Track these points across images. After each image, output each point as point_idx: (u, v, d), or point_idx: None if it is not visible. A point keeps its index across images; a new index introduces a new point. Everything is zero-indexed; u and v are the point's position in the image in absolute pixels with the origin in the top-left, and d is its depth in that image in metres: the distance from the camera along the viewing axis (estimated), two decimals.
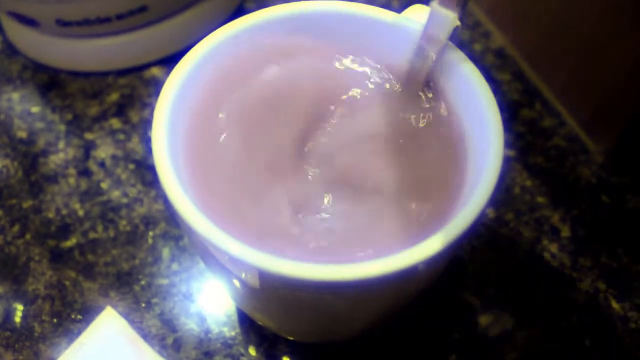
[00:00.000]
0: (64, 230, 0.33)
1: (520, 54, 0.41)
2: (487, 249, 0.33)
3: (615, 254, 0.33)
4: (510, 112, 0.38)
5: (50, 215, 0.34)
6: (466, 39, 0.42)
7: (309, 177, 0.23)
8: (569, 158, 0.36)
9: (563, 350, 0.30)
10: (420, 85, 0.24)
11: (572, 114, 0.38)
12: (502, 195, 0.34)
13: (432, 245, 0.18)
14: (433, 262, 0.19)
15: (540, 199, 0.34)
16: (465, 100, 0.23)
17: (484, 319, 0.31)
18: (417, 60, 0.23)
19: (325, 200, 0.22)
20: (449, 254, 0.19)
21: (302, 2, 0.25)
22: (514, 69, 0.40)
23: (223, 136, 0.23)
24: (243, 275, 0.20)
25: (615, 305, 0.31)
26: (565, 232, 0.33)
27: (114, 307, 0.31)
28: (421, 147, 0.23)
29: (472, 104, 0.23)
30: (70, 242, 0.33)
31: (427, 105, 0.24)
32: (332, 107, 0.24)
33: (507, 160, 0.36)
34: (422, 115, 0.24)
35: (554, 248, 0.33)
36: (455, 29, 0.22)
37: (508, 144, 0.37)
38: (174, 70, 0.23)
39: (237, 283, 0.22)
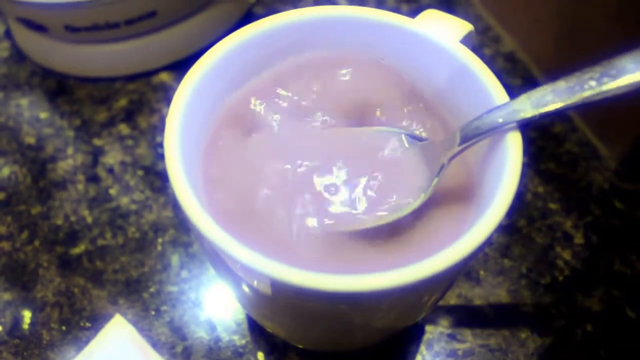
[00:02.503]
0: (73, 237, 0.33)
1: (530, 58, 0.40)
2: (499, 256, 0.32)
3: (629, 261, 0.32)
4: None
5: (59, 221, 0.34)
6: (476, 44, 0.41)
7: (320, 190, 0.22)
8: (581, 164, 0.36)
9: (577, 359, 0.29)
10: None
11: (584, 118, 0.37)
12: (514, 202, 0.34)
13: (445, 258, 0.18)
14: (447, 275, 0.18)
15: (552, 206, 0.34)
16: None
17: (496, 328, 0.30)
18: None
19: (341, 212, 0.22)
20: (462, 267, 0.19)
21: (312, 7, 0.25)
22: (524, 73, 0.40)
23: (235, 143, 0.23)
24: (255, 283, 0.20)
25: (630, 313, 0.31)
26: (579, 239, 0.33)
27: (123, 314, 0.30)
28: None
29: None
30: (79, 249, 0.33)
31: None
32: (343, 124, 0.24)
33: None
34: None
35: (567, 255, 0.32)
36: None
37: None
38: (186, 75, 0.23)
39: (248, 290, 0.21)
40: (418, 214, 0.22)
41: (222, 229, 0.19)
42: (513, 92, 0.39)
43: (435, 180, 0.22)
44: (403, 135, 0.23)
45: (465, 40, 0.24)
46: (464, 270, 0.22)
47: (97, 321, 0.30)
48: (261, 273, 0.18)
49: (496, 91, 0.22)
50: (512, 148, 0.21)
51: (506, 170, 0.20)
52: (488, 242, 0.19)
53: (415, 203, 0.22)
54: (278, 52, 0.25)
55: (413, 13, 0.25)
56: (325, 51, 0.25)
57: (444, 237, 0.21)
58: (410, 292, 0.19)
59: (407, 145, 0.23)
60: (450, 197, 0.23)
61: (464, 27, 0.24)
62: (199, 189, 0.22)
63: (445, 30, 0.23)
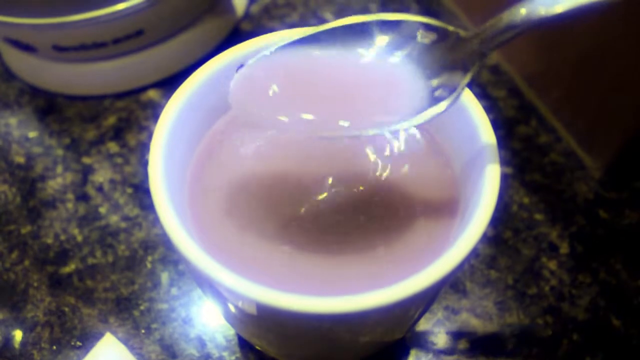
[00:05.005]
0: (63, 255, 0.33)
1: (515, 70, 0.41)
2: (485, 268, 0.33)
3: (615, 270, 0.33)
4: (506, 128, 0.38)
5: (49, 241, 0.34)
6: None
7: (303, 210, 0.23)
8: (566, 174, 0.36)
9: None
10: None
11: (568, 129, 0.38)
12: (500, 213, 0.35)
13: (427, 277, 0.18)
14: (429, 292, 0.19)
15: (538, 216, 0.34)
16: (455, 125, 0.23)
17: (483, 339, 0.30)
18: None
19: (322, 229, 0.22)
20: (445, 282, 0.19)
21: (297, 29, 0.25)
22: (509, 85, 0.40)
23: (221, 164, 0.23)
24: (240, 304, 0.20)
25: (615, 322, 0.31)
26: (564, 249, 0.33)
27: (114, 333, 0.31)
28: (411, 178, 0.23)
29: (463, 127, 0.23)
30: (69, 268, 0.33)
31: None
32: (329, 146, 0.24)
33: (504, 178, 0.36)
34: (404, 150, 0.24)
35: (552, 265, 0.33)
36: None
37: (505, 161, 0.37)
38: (173, 96, 0.23)
39: (234, 311, 0.22)
40: (403, 222, 0.22)
41: (206, 252, 0.19)
42: (497, 104, 0.40)
43: (469, 75, 0.19)
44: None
45: None
46: (448, 283, 0.22)
47: (87, 340, 0.31)
48: (247, 297, 0.19)
49: (473, 106, 0.22)
50: (491, 162, 0.21)
51: (485, 189, 0.20)
52: (471, 256, 0.20)
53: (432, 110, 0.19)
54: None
55: None
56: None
57: (432, 246, 0.21)
58: (395, 311, 0.20)
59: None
60: (435, 207, 0.23)
61: None
62: (185, 212, 0.22)
63: None
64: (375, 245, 0.22)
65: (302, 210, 0.22)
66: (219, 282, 0.19)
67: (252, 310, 0.20)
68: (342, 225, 0.22)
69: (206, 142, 0.24)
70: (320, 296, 0.18)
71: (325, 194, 0.23)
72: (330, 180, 0.23)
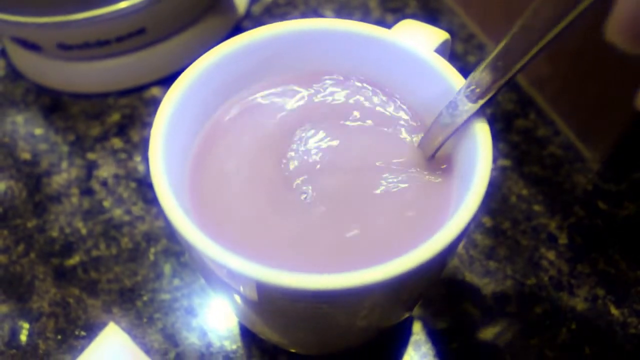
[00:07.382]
0: (68, 248, 0.34)
1: None
2: (485, 258, 0.33)
3: (613, 260, 0.33)
4: (505, 122, 0.39)
5: (54, 234, 0.35)
6: (460, 52, 0.42)
7: (303, 194, 0.23)
8: (565, 166, 0.36)
9: (563, 358, 0.30)
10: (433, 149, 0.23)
11: (567, 122, 0.38)
12: (499, 205, 0.35)
13: (422, 253, 0.19)
14: (425, 270, 0.19)
15: (536, 208, 0.35)
16: None
17: (483, 328, 0.31)
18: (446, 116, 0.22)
19: (320, 209, 0.23)
20: (440, 262, 0.20)
21: (295, 20, 0.26)
22: None
23: (219, 152, 0.24)
24: (241, 288, 0.21)
25: (614, 311, 0.31)
26: (563, 240, 0.34)
27: (117, 323, 0.31)
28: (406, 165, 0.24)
29: None
30: (74, 260, 0.34)
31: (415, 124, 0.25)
32: (324, 132, 0.25)
33: (502, 170, 0.36)
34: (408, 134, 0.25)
35: (551, 256, 0.33)
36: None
37: (503, 154, 0.37)
38: (171, 88, 0.24)
39: (236, 297, 0.22)
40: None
41: (206, 235, 0.20)
42: (496, 97, 0.40)
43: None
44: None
45: (441, 49, 0.25)
46: (443, 266, 0.22)
47: (91, 330, 0.31)
48: (246, 276, 0.19)
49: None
50: (482, 140, 0.21)
51: (477, 166, 0.21)
52: (464, 234, 0.20)
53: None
54: (261, 64, 0.26)
55: (397, 23, 0.26)
56: (307, 63, 0.26)
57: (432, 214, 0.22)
58: (391, 288, 0.20)
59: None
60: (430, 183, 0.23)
61: (439, 35, 0.25)
62: (184, 198, 0.22)
63: (421, 40, 0.24)
64: (375, 216, 0.22)
65: (303, 195, 0.23)
66: (219, 263, 0.19)
67: (253, 292, 0.20)
68: (344, 202, 0.22)
69: (205, 131, 0.25)
70: (321, 274, 0.18)
71: (322, 181, 0.23)
72: (326, 167, 0.24)
